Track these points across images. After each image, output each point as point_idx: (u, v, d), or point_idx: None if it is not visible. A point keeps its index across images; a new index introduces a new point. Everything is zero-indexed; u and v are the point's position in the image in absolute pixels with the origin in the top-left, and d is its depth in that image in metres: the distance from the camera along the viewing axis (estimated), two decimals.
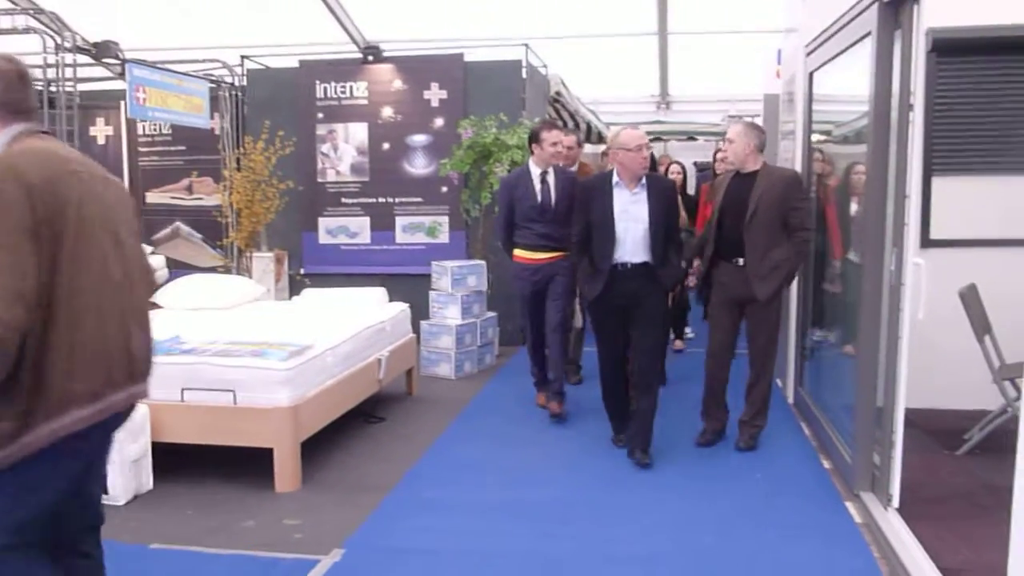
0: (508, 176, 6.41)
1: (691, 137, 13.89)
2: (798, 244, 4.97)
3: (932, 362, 4.98)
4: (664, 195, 4.93)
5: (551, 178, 5.90)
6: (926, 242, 5.52)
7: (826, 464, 4.88)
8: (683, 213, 6.34)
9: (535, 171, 5.92)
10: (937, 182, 5.58)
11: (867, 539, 3.88)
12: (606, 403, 5.24)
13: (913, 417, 4.42)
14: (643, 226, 4.83)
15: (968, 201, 5.58)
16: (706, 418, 5.33)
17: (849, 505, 4.27)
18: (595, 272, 4.93)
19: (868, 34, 4.21)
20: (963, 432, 4.99)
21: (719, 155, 7.30)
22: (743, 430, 5.22)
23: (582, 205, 5.05)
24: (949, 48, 5.22)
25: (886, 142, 4.05)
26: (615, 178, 4.91)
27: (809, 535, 3.95)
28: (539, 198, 5.86)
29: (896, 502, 3.93)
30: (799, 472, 4.79)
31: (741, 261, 5.01)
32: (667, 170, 8.27)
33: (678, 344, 8.16)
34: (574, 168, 6.56)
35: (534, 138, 5.93)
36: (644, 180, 4.90)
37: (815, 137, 5.86)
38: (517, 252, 5.97)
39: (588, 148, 7.26)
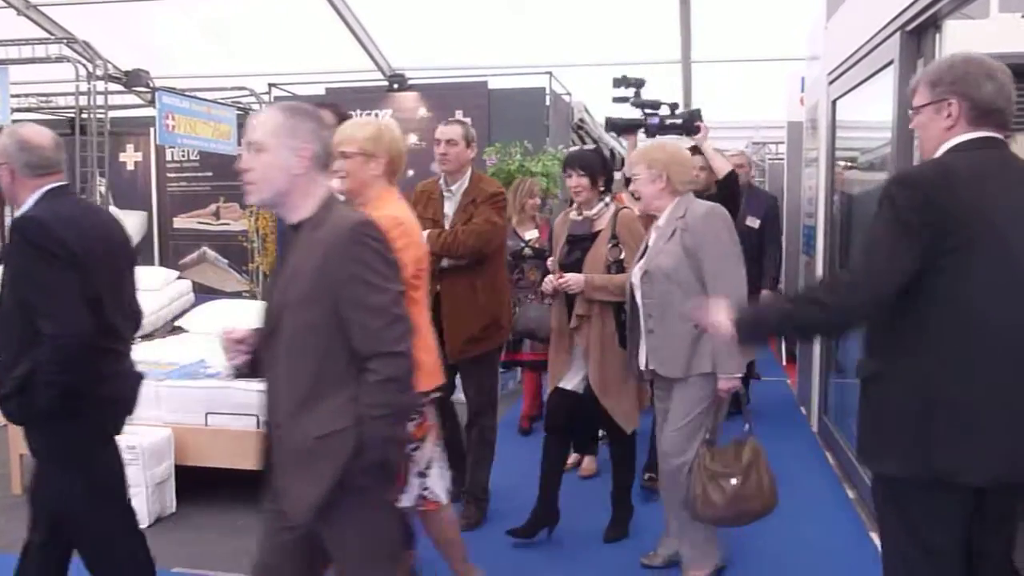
0: None
1: None
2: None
3: None
4: None
5: None
6: None
7: (850, 493, 4.83)
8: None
9: None
10: None
11: None
12: None
13: None
14: None
15: None
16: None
17: (874, 535, 4.22)
18: None
19: (890, 62, 4.22)
20: None
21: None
22: None
23: None
24: None
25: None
26: None
27: (832, 564, 3.92)
28: None
29: None
30: (823, 500, 4.74)
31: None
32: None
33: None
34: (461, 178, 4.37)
35: None
36: None
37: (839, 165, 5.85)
38: None
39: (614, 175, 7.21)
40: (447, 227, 4.28)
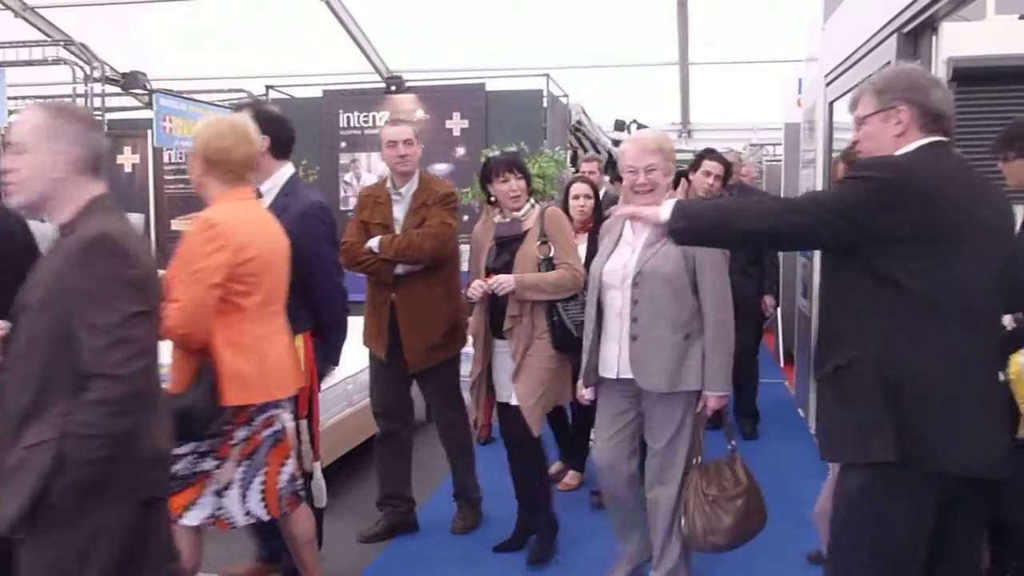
0: None
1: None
2: None
3: None
4: None
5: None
6: None
7: None
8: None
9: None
10: None
11: None
12: None
13: None
14: None
15: None
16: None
17: None
18: None
19: (888, 64, 4.22)
20: None
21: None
22: None
23: None
24: (970, 77, 5.21)
25: None
26: None
27: None
28: None
29: None
30: None
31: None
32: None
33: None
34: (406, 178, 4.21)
35: None
36: None
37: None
38: None
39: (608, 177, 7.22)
40: (398, 231, 4.11)
